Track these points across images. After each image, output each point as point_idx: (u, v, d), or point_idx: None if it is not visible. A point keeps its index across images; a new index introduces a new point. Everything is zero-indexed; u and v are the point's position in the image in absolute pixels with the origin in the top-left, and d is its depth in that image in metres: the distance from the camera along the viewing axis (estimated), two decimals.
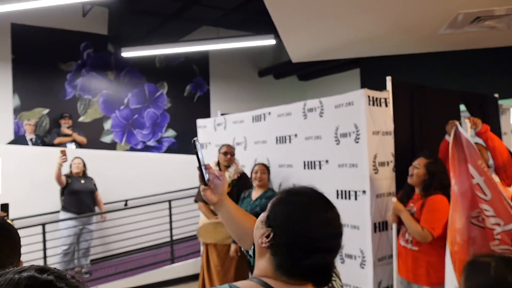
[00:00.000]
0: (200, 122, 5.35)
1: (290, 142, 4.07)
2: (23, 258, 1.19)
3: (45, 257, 5.07)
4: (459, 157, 2.82)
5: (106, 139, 7.90)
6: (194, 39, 7.41)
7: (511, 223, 2.53)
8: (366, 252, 3.32)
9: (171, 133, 8.54)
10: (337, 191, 3.56)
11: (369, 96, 3.33)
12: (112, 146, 7.91)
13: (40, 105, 7.32)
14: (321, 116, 3.73)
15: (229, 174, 4.15)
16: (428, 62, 6.64)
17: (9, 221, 1.48)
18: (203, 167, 1.33)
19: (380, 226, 3.34)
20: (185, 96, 8.74)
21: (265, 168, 3.96)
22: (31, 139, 6.66)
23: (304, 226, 1.01)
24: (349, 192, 3.47)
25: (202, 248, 4.46)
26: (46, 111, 7.36)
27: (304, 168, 3.90)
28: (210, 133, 5.13)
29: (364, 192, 3.33)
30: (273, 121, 4.27)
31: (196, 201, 4.48)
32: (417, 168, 2.90)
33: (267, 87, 9.59)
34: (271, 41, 6.56)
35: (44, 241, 5.09)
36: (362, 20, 4.11)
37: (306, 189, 1.09)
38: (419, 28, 4.27)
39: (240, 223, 1.38)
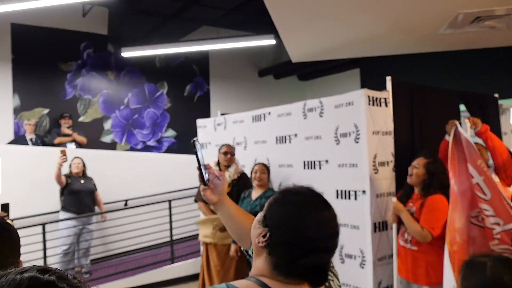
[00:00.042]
0: (200, 122, 5.35)
1: (290, 142, 4.07)
2: (23, 258, 1.19)
3: (45, 257, 5.07)
4: (459, 156, 2.83)
5: (106, 139, 7.90)
6: (194, 39, 7.41)
7: (510, 223, 2.53)
8: (366, 252, 3.32)
9: (171, 133, 8.54)
10: (337, 191, 3.56)
11: (369, 96, 3.33)
12: (112, 146, 7.91)
13: (40, 105, 7.32)
14: (321, 116, 3.73)
15: (229, 174, 4.15)
16: (428, 62, 6.64)
17: (9, 221, 1.48)
18: (202, 167, 1.34)
19: (380, 226, 3.34)
20: (185, 96, 8.74)
21: (265, 168, 3.96)
22: (31, 139, 6.66)
23: (300, 225, 1.01)
24: (349, 192, 3.47)
25: (202, 248, 4.46)
26: (46, 111, 7.36)
27: (304, 168, 3.90)
28: (210, 133, 5.13)
29: (364, 192, 3.33)
30: (273, 121, 4.27)
31: (196, 201, 4.49)
32: (417, 168, 2.90)
33: (267, 87, 9.59)
34: (271, 41, 6.56)
35: (44, 241, 5.09)
36: (362, 20, 4.11)
37: (302, 189, 1.10)
38: (419, 28, 4.27)
39: (240, 223, 1.38)
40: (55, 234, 5.26)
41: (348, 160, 3.48)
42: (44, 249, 5.07)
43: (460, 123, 3.04)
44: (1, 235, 1.16)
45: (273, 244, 1.02)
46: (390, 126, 3.28)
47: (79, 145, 6.89)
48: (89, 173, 5.59)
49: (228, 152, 4.19)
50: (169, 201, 5.85)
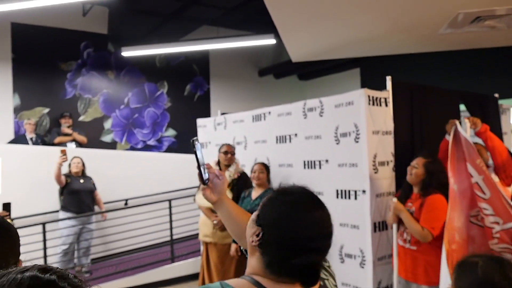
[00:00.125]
0: (200, 121, 5.35)
1: (290, 141, 4.07)
2: (23, 257, 1.19)
3: (45, 256, 5.07)
4: (458, 156, 2.83)
5: (106, 138, 7.91)
6: (194, 39, 7.41)
7: (510, 222, 2.54)
8: (366, 251, 3.32)
9: (171, 132, 8.54)
10: (337, 190, 3.56)
11: (369, 96, 3.33)
12: (112, 145, 7.91)
13: (40, 104, 7.32)
14: (321, 116, 3.73)
15: (229, 174, 4.15)
16: (428, 62, 6.64)
17: (9, 220, 1.48)
18: (202, 167, 1.34)
19: (380, 226, 3.34)
20: (185, 96, 8.75)
21: (264, 168, 3.96)
22: (31, 139, 6.67)
23: (292, 225, 1.02)
24: (349, 191, 3.47)
25: (202, 248, 4.46)
26: (46, 110, 7.36)
27: (304, 167, 3.90)
28: (210, 132, 5.14)
29: (364, 191, 3.33)
30: (273, 121, 4.27)
31: (196, 200, 4.49)
32: (416, 168, 2.90)
33: (267, 86, 9.59)
34: (271, 41, 6.56)
35: (45, 240, 5.09)
36: (362, 20, 4.11)
37: (297, 189, 1.10)
38: (419, 28, 4.27)
39: (239, 222, 1.39)
40: (55, 233, 5.26)
41: (348, 160, 3.48)
42: (45, 248, 5.07)
43: (460, 123, 3.04)
44: (1, 235, 1.16)
45: (265, 243, 1.03)
46: (390, 126, 3.29)
47: (79, 144, 6.89)
48: (89, 172, 5.59)
49: (228, 152, 4.19)
50: (169, 200, 5.86)
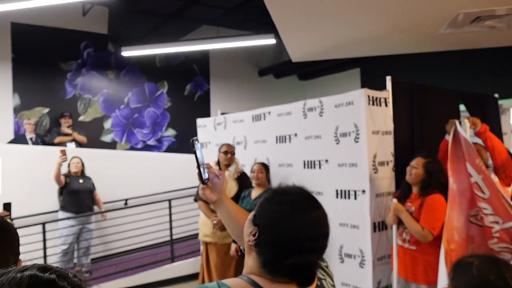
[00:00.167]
0: (200, 121, 5.35)
1: (290, 141, 4.07)
2: (23, 257, 1.19)
3: (45, 256, 5.07)
4: (458, 155, 2.83)
5: (106, 138, 7.91)
6: (194, 39, 7.41)
7: (509, 221, 2.54)
8: (366, 251, 3.32)
9: (171, 132, 8.54)
10: (337, 190, 3.56)
11: (369, 96, 3.33)
12: (112, 145, 7.91)
13: (40, 104, 7.32)
14: (321, 116, 3.73)
15: (229, 174, 4.16)
16: (428, 62, 6.64)
17: (8, 220, 1.48)
18: (201, 166, 1.34)
19: (379, 226, 3.34)
20: (185, 96, 8.75)
21: (263, 167, 3.97)
22: (31, 139, 6.67)
23: (287, 225, 1.02)
24: (349, 191, 3.47)
25: (202, 247, 4.46)
26: (46, 110, 7.36)
27: (304, 167, 3.90)
28: (210, 132, 5.14)
29: (363, 191, 3.33)
30: (273, 121, 4.27)
31: (196, 200, 4.49)
32: (416, 168, 2.90)
33: (267, 86, 9.59)
34: (271, 41, 6.56)
35: (44, 240, 5.09)
36: (362, 20, 4.11)
37: (293, 189, 1.10)
38: (419, 28, 4.27)
39: (239, 222, 1.39)
40: (55, 233, 5.26)
41: (348, 160, 3.48)
42: (44, 248, 5.07)
43: (460, 123, 3.04)
44: (0, 235, 1.16)
45: (261, 243, 1.04)
46: (390, 126, 3.29)
47: (79, 144, 6.89)
48: (89, 172, 5.59)
49: (228, 152, 4.19)
50: (169, 200, 5.86)
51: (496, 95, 4.08)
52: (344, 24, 4.28)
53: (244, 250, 1.40)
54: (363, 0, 3.67)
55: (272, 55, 9.29)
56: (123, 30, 7.64)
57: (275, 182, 4.16)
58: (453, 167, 2.81)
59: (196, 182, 1.40)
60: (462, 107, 3.81)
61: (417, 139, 3.37)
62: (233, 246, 3.94)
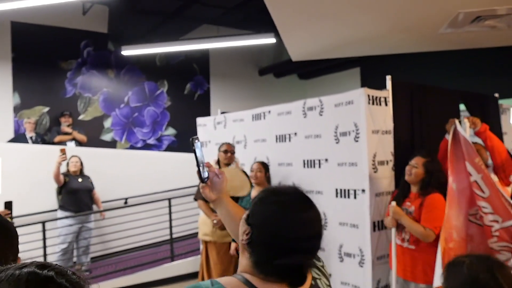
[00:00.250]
0: (200, 120, 5.35)
1: (289, 140, 4.08)
2: (23, 256, 1.20)
3: (45, 255, 5.07)
4: (457, 155, 2.83)
5: (106, 137, 7.91)
6: (195, 38, 7.41)
7: (509, 220, 2.54)
8: (365, 250, 3.32)
9: (171, 131, 8.54)
10: (337, 189, 3.56)
11: (369, 95, 3.33)
12: (112, 144, 7.91)
13: (40, 103, 7.32)
14: (321, 115, 3.73)
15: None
16: (428, 62, 6.64)
17: (9, 218, 1.48)
18: (201, 165, 1.34)
19: (379, 225, 3.34)
20: (185, 95, 8.75)
21: (262, 167, 3.97)
22: (31, 137, 6.67)
23: (279, 225, 1.02)
24: (349, 191, 3.47)
25: (201, 246, 4.47)
26: (46, 109, 7.36)
27: (304, 166, 3.90)
28: (210, 131, 5.14)
29: (363, 191, 3.33)
30: (273, 120, 4.27)
31: (195, 199, 4.49)
32: (416, 167, 2.90)
33: (267, 85, 9.59)
34: (271, 40, 6.56)
35: (44, 239, 5.09)
36: (362, 19, 4.11)
37: (287, 189, 1.10)
38: (419, 27, 4.28)
39: (238, 221, 1.38)
40: (55, 232, 5.26)
41: (347, 159, 3.48)
42: (44, 247, 5.07)
43: (460, 123, 3.04)
44: (1, 234, 1.16)
45: (253, 243, 1.04)
46: (390, 125, 3.29)
47: (79, 143, 6.89)
48: (89, 171, 5.59)
49: (228, 151, 4.19)
50: (169, 199, 5.85)
51: (496, 95, 4.08)
52: (344, 24, 4.28)
53: None
54: (363, 0, 3.67)
55: (272, 54, 9.29)
56: (123, 29, 7.63)
57: (275, 181, 4.16)
58: (453, 166, 2.81)
59: (196, 181, 1.40)
60: (462, 107, 3.81)
61: (417, 138, 3.37)
62: (233, 245, 3.95)
